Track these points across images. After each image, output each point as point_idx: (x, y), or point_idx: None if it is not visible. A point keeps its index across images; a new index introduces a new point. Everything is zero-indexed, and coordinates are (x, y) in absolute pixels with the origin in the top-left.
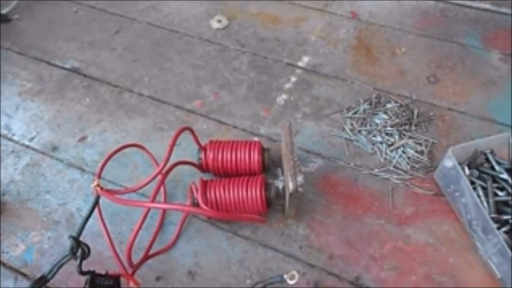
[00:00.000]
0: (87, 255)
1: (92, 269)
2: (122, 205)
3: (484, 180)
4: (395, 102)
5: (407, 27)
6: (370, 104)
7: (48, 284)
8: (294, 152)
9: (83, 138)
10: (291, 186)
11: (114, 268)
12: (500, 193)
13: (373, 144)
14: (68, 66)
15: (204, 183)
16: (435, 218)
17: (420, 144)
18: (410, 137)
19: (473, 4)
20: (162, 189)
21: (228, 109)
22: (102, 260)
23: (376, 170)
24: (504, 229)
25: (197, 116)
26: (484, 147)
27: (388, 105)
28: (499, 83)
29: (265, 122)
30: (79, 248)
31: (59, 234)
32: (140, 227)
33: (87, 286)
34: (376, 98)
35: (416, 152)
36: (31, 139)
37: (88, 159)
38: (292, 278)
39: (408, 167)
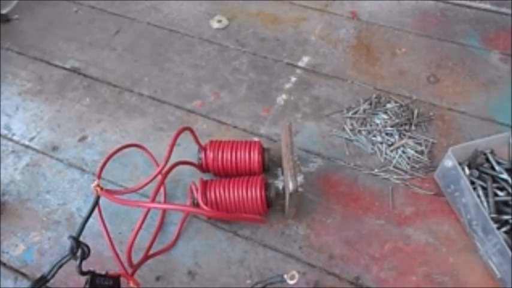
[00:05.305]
0: (87, 255)
1: (92, 269)
2: (122, 205)
3: (484, 180)
4: (395, 102)
5: (407, 27)
6: (370, 104)
7: (48, 284)
8: (294, 152)
9: (83, 138)
10: (291, 186)
11: (114, 268)
12: (500, 193)
13: (373, 144)
14: (68, 66)
15: (204, 183)
16: (435, 218)
17: (420, 144)
18: (410, 137)
19: (473, 4)
20: (162, 189)
21: (228, 109)
22: (102, 260)
23: (376, 170)
24: (504, 229)
25: (197, 116)
26: (484, 147)
27: (388, 105)
28: (499, 83)
29: (265, 122)
30: (79, 248)
31: (59, 234)
32: (140, 227)
33: (87, 286)
34: (376, 98)
35: (416, 152)
36: (31, 139)
37: (88, 159)
38: (292, 278)
39: (408, 167)
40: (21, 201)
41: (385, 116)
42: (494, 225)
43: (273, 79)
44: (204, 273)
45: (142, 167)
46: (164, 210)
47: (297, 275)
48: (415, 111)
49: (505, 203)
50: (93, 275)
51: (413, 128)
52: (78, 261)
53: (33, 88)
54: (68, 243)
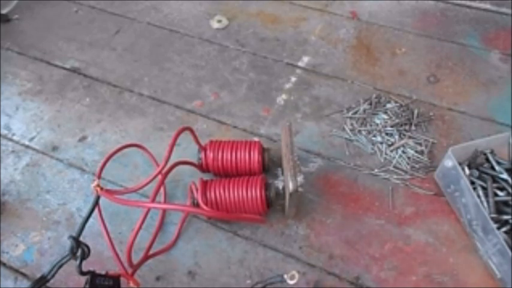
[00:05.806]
0: (87, 255)
1: (92, 269)
2: (122, 205)
3: (484, 180)
4: (395, 102)
5: (407, 27)
6: (370, 104)
7: (48, 284)
8: (294, 152)
9: (83, 138)
10: (291, 186)
11: (114, 268)
12: (500, 193)
13: (373, 144)
14: (68, 66)
15: (204, 183)
16: (435, 218)
17: (420, 144)
18: (410, 137)
19: (473, 4)
20: (162, 189)
21: (228, 109)
22: (102, 260)
23: (376, 170)
24: (504, 229)
25: (197, 116)
26: (484, 147)
27: (388, 105)
28: (499, 83)
29: (265, 122)
30: (79, 248)
31: (59, 234)
32: (140, 227)
33: (87, 286)
34: (376, 98)
35: (416, 152)
36: (31, 139)
37: (88, 159)
38: (292, 278)
39: (408, 167)
40: (21, 201)
41: (385, 116)
42: (494, 225)
43: (273, 79)
44: (204, 273)
45: (142, 167)
46: (164, 210)
47: (297, 275)
48: (415, 111)
49: (505, 203)
50: (93, 275)
51: (413, 128)
52: (78, 261)
53: (33, 88)
54: (68, 243)
